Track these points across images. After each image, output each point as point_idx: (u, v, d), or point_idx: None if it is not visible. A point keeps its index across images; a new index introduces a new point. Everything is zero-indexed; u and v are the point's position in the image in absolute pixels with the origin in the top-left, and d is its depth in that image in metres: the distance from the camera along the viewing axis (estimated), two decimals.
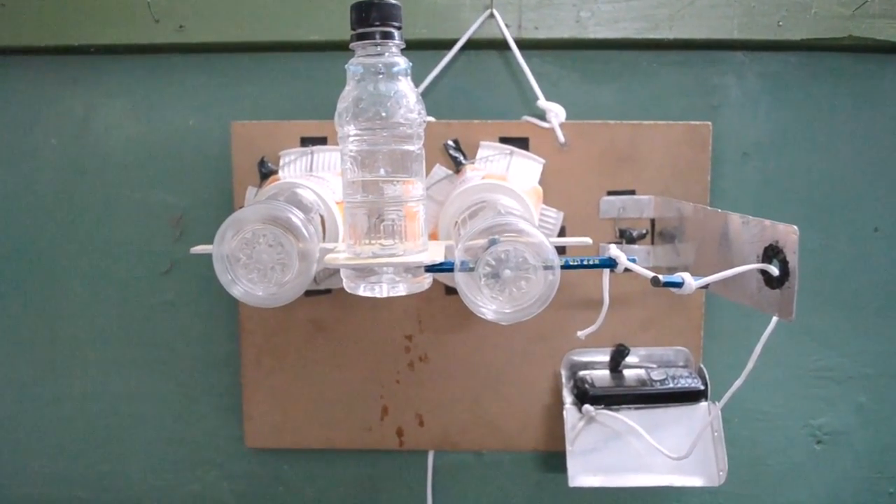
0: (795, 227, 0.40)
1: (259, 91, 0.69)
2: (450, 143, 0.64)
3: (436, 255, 0.47)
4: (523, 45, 0.66)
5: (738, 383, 0.48)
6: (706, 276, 0.45)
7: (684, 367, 0.67)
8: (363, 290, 0.46)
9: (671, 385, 0.64)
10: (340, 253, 0.48)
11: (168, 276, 0.71)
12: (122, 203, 0.70)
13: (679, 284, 0.44)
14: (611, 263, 0.47)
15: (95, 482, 0.75)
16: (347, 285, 0.47)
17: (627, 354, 0.66)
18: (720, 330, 0.70)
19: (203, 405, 0.73)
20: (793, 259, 0.41)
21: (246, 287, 0.45)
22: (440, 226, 0.60)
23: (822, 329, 0.71)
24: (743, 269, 0.44)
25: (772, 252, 0.43)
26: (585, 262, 0.47)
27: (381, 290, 0.46)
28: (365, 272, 0.46)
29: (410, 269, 0.46)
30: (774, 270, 0.42)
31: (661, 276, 0.44)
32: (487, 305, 0.44)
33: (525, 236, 0.43)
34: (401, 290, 0.46)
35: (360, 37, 0.45)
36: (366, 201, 0.46)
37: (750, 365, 0.47)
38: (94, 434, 0.74)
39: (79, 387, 0.73)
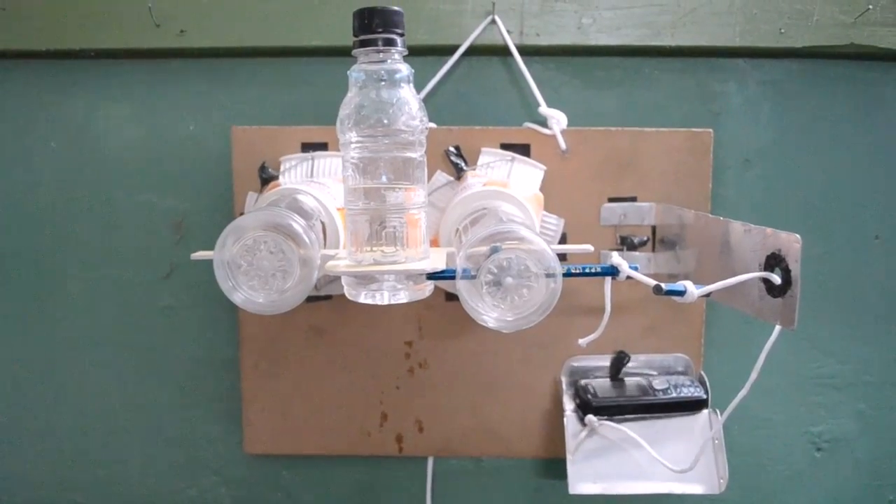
0: (798, 235, 0.40)
1: (260, 96, 0.69)
2: (451, 149, 0.64)
3: (437, 262, 0.47)
4: (525, 51, 0.66)
5: (742, 394, 0.48)
6: (707, 283, 0.45)
7: (684, 373, 0.67)
8: (364, 298, 0.46)
9: (673, 394, 0.64)
10: (341, 260, 0.48)
11: (168, 281, 0.71)
12: (122, 207, 0.70)
13: (681, 293, 0.44)
14: (613, 271, 0.47)
15: (93, 487, 0.74)
16: (348, 292, 0.47)
17: (628, 362, 0.66)
18: (720, 337, 0.70)
19: (202, 410, 0.73)
20: (795, 268, 0.41)
21: (247, 294, 0.45)
22: (441, 232, 0.60)
23: (822, 336, 0.71)
24: (745, 278, 0.44)
25: (774, 260, 0.43)
26: (587, 270, 0.47)
27: (383, 298, 0.46)
28: (366, 279, 0.46)
29: (412, 277, 0.46)
30: (777, 279, 0.42)
31: (663, 285, 0.44)
32: (489, 313, 0.44)
33: (527, 244, 0.43)
34: (402, 298, 0.46)
35: (363, 43, 0.45)
36: (367, 208, 0.46)
37: (753, 375, 0.46)
38: (93, 439, 0.73)
39: (77, 391, 0.73)
